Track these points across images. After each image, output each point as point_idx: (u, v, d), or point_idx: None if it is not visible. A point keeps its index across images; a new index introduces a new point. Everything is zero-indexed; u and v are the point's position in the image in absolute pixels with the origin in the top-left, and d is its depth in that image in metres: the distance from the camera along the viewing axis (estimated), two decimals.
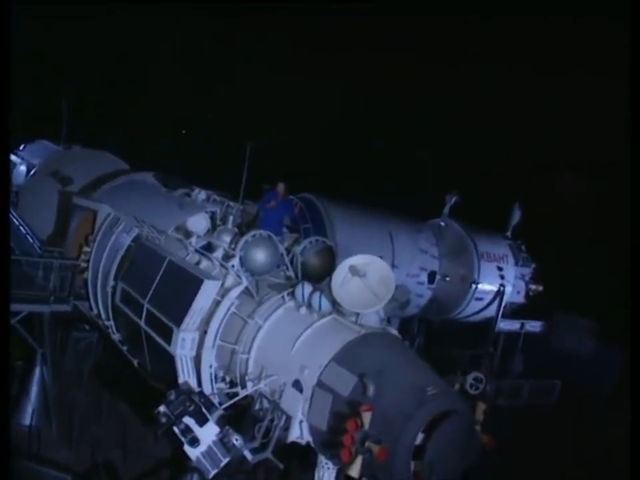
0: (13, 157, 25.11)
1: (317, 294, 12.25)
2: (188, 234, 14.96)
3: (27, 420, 16.79)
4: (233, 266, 13.43)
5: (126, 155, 23.59)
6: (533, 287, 26.36)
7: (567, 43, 39.70)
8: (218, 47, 49.96)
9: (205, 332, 13.04)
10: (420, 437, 10.11)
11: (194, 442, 11.17)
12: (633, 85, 10.38)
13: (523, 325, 26.34)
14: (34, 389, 17.04)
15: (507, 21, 40.06)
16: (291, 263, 14.14)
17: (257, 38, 49.24)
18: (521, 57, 42.11)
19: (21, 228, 18.99)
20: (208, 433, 11.22)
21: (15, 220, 19.65)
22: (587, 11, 34.98)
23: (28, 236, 18.45)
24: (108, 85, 46.46)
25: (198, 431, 11.22)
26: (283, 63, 48.58)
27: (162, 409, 11.50)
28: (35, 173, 22.77)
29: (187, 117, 48.47)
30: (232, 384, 13.16)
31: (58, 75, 42.91)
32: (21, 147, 25.70)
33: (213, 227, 14.94)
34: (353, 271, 12.08)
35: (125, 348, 16.50)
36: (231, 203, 15.38)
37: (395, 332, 12.58)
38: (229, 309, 13.05)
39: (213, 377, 13.18)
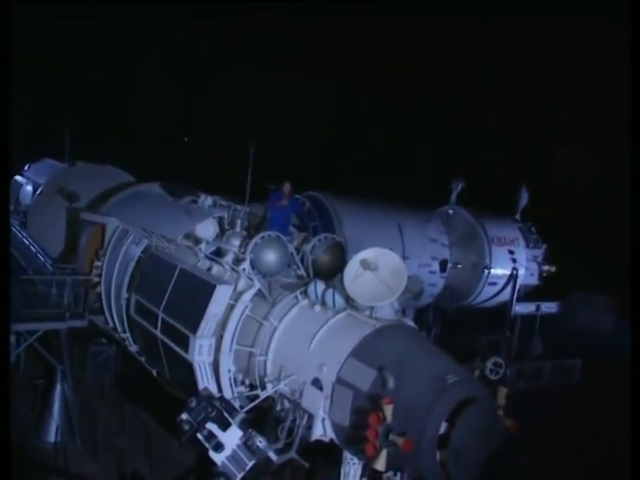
0: (18, 178, 25.27)
1: (329, 291, 12.25)
2: (197, 241, 14.98)
3: (51, 437, 16.92)
4: (244, 269, 13.44)
5: (127, 159, 23.76)
6: (546, 267, 26.23)
7: (567, 42, 39.59)
8: (217, 47, 49.98)
9: (221, 337, 13.07)
10: (443, 426, 10.10)
11: (218, 447, 11.19)
12: (633, 85, 10.32)
13: (538, 306, 26.24)
14: (56, 406, 17.19)
15: (507, 21, 40.00)
16: (302, 261, 14.16)
17: (257, 38, 49.28)
18: (521, 57, 42.08)
19: (32, 247, 19.10)
20: (231, 437, 11.23)
21: (25, 240, 19.78)
22: (587, 11, 34.78)
23: (39, 255, 18.56)
24: (107, 86, 46.58)
25: (221, 435, 11.23)
26: (282, 63, 48.61)
27: (184, 416, 11.52)
28: (41, 192, 22.87)
29: (187, 118, 48.54)
30: (252, 387, 13.19)
31: (58, 74, 43.13)
32: (26, 167, 25.82)
33: (222, 232, 14.96)
34: (364, 265, 12.07)
35: (142, 359, 16.56)
36: (238, 207, 15.39)
37: (410, 323, 12.57)
38: (243, 312, 13.07)
39: (233, 381, 13.20)
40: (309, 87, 47.89)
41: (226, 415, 11.41)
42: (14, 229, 20.82)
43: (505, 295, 25.29)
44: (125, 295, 16.31)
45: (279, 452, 11.54)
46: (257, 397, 12.67)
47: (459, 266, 24.43)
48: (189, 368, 13.21)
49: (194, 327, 13.01)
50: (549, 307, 26.68)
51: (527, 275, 25.68)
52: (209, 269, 14.40)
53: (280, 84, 48.56)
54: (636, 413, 9.22)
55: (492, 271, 24.54)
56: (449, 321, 26.34)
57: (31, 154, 26.14)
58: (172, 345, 13.80)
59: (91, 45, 45.73)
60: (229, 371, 13.13)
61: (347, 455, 11.52)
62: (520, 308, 25.55)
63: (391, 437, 9.82)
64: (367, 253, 12.24)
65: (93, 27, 45.28)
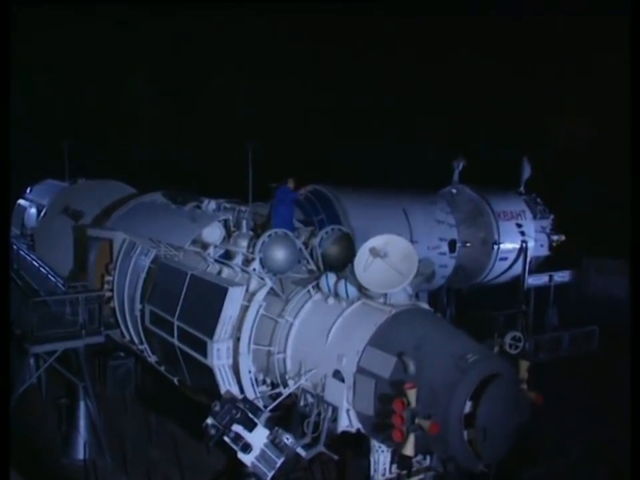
0: (21, 202, 25.36)
1: (342, 282, 12.23)
2: (205, 245, 14.99)
3: (80, 454, 16.98)
4: (254, 269, 13.45)
5: (126, 171, 23.84)
6: (555, 237, 26.14)
7: (568, 39, 39.49)
8: (215, 47, 49.83)
9: (238, 339, 13.09)
10: (468, 405, 10.09)
11: (246, 448, 11.22)
12: (633, 85, 10.28)
13: (551, 277, 26.17)
14: (82, 423, 17.23)
15: (507, 21, 39.88)
16: (311, 255, 14.16)
17: (254, 38, 49.20)
18: (520, 56, 41.97)
19: (42, 269, 19.17)
20: (258, 437, 11.26)
21: (34, 262, 19.86)
22: (587, 10, 34.61)
23: (50, 276, 18.62)
24: (101, 96, 46.62)
25: (248, 436, 11.26)
26: (281, 62, 48.54)
27: (209, 421, 11.55)
28: (45, 213, 22.96)
29: (184, 123, 48.52)
30: (273, 385, 13.21)
31: (56, 79, 43.24)
32: (28, 190, 25.90)
33: (228, 234, 14.97)
34: (374, 252, 12.04)
35: (162, 368, 16.60)
36: (242, 207, 15.40)
37: (425, 306, 12.54)
38: (257, 312, 13.08)
39: (254, 381, 13.22)
40: (308, 86, 47.93)
41: (251, 415, 11.43)
42: (22, 253, 20.91)
43: (517, 269, 25.22)
44: (138, 306, 16.35)
45: (307, 447, 11.57)
46: (279, 394, 12.69)
47: (468, 244, 24.39)
48: (209, 373, 13.23)
49: (210, 332, 13.02)
50: (561, 277, 26.59)
51: (537, 246, 25.60)
52: (219, 273, 14.41)
53: (278, 84, 48.52)
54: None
55: (501, 245, 24.49)
56: (463, 301, 26.31)
57: (31, 176, 26.20)
58: (190, 351, 13.82)
59: (86, 53, 45.75)
60: (250, 372, 13.15)
61: (375, 444, 11.53)
62: (533, 280, 25.48)
63: (417, 421, 9.82)
64: (376, 241, 12.22)
65: (89, 33, 45.34)
